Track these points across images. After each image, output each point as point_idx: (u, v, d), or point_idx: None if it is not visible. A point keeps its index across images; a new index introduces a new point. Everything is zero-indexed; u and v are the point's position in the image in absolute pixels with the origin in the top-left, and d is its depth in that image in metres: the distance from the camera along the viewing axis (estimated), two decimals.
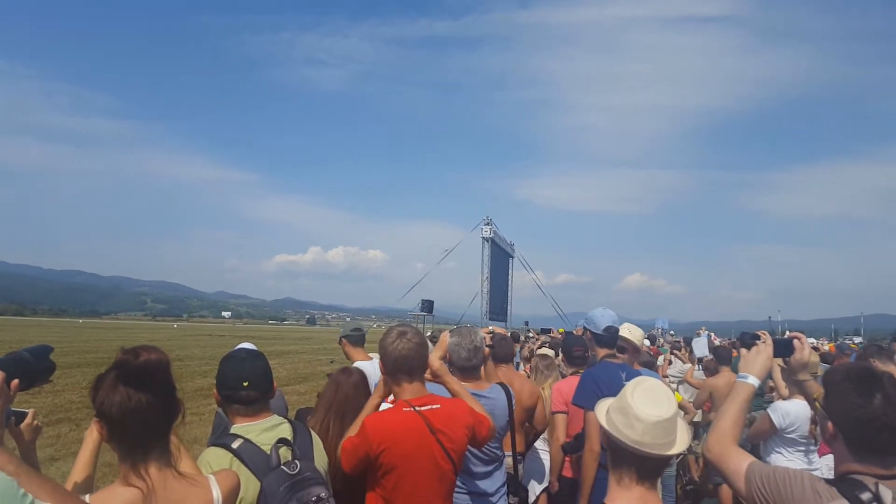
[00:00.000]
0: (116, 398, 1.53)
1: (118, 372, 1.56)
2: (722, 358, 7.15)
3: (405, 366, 2.53)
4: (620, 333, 3.85)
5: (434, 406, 2.51)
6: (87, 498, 1.54)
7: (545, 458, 4.67)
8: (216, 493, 1.69)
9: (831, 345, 15.57)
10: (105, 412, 1.55)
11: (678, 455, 1.84)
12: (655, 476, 1.81)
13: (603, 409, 1.90)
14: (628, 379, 3.59)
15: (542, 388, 5.14)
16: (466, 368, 3.28)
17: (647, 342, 8.79)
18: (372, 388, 3.02)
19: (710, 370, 7.58)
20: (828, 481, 1.70)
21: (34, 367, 1.69)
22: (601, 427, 1.86)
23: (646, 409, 1.77)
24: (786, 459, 4.21)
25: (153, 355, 1.59)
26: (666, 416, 1.77)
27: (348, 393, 2.92)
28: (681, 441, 1.81)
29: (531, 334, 16.35)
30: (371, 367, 4.49)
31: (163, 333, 61.41)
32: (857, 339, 37.37)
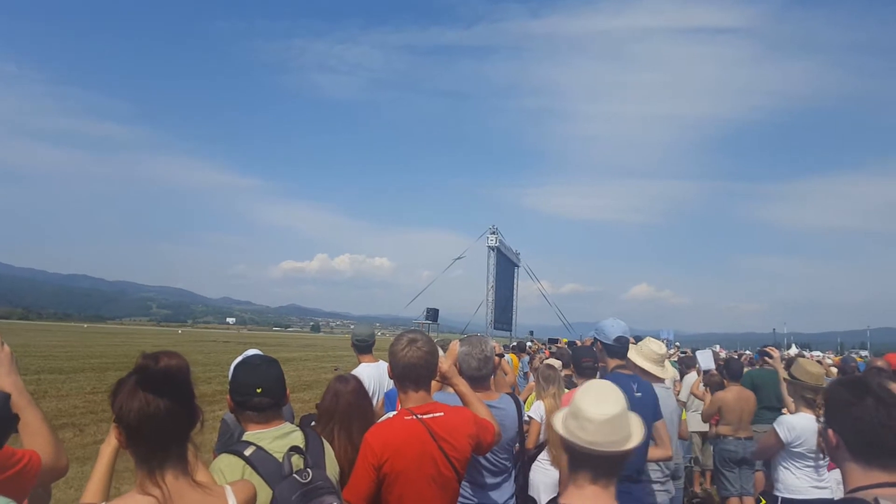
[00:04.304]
0: (135, 404, 1.52)
1: (138, 377, 1.54)
2: (734, 372, 6.88)
3: (412, 374, 2.51)
4: (631, 357, 3.80)
5: (437, 414, 2.49)
6: None
7: (552, 469, 4.64)
8: (232, 503, 1.68)
9: (837, 358, 15.47)
10: (123, 417, 1.53)
11: (630, 451, 1.84)
12: (611, 475, 1.84)
13: (560, 418, 1.92)
14: (639, 390, 3.59)
15: (544, 399, 5.11)
16: (476, 378, 3.24)
17: None
18: (371, 392, 3.03)
19: (715, 384, 7.47)
20: None
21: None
22: (559, 435, 1.88)
23: (594, 408, 1.81)
24: (794, 476, 4.17)
25: (173, 361, 1.57)
26: (613, 412, 1.80)
27: (349, 401, 2.92)
28: (636, 434, 1.84)
29: (529, 345, 16.27)
30: (375, 369, 4.57)
31: (167, 339, 61.50)
32: (864, 353, 37.09)
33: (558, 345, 14.75)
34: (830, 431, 1.82)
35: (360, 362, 4.73)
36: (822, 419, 1.92)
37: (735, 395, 6.55)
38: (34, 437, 1.78)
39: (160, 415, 1.53)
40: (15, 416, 1.68)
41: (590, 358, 4.59)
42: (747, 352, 22.02)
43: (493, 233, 32.20)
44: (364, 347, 4.82)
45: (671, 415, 4.43)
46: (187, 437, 1.63)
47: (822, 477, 4.22)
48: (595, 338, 3.75)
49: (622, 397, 1.88)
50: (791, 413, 4.39)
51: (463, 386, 2.80)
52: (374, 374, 4.45)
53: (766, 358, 6.88)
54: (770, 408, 6.91)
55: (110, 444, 1.75)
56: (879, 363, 5.82)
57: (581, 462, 1.83)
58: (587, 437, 1.78)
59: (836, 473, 4.00)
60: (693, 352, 12.06)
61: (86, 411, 12.99)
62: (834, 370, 9.67)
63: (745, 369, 7.70)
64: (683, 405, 8.38)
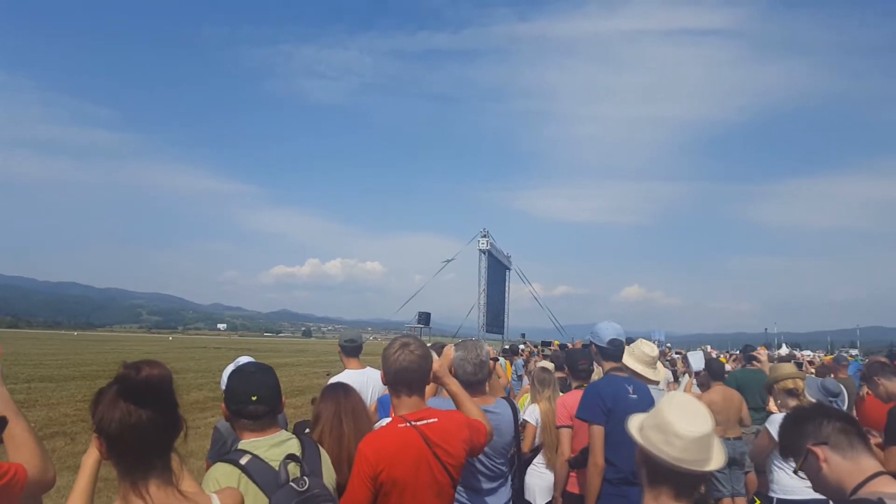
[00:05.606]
0: (116, 414, 1.49)
1: (119, 387, 1.52)
2: (715, 373, 6.97)
3: (405, 378, 2.49)
4: (623, 360, 3.80)
5: (431, 420, 2.47)
6: None
7: (547, 472, 4.63)
8: None
9: (828, 357, 15.58)
10: (104, 428, 1.51)
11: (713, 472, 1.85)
12: (691, 493, 1.80)
13: (636, 426, 1.87)
14: (635, 392, 3.60)
15: (539, 403, 5.10)
16: (472, 383, 3.21)
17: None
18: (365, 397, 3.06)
19: (705, 385, 7.51)
20: None
21: None
22: (638, 444, 1.84)
23: (685, 425, 1.76)
24: (789, 476, 4.17)
25: (155, 370, 1.54)
26: (705, 431, 1.76)
27: (356, 397, 2.97)
28: (717, 457, 1.80)
29: (522, 347, 16.23)
30: (360, 375, 4.60)
31: (158, 346, 61.09)
32: (854, 352, 37.35)
33: (551, 348, 14.76)
34: (816, 449, 1.80)
35: (345, 367, 4.76)
36: (790, 462, 1.92)
37: (721, 395, 6.57)
38: (20, 449, 1.75)
39: (142, 425, 1.50)
40: (3, 420, 1.65)
41: (586, 360, 4.60)
42: (738, 352, 22.09)
43: (485, 236, 32.26)
44: (352, 349, 4.83)
45: None
46: (171, 447, 1.61)
47: None
48: (590, 341, 3.76)
49: (710, 415, 1.84)
50: (777, 412, 4.41)
51: (454, 385, 2.80)
52: (358, 380, 4.44)
53: (755, 362, 6.92)
54: (755, 408, 6.94)
55: (92, 454, 1.72)
56: (881, 359, 5.82)
57: (664, 478, 1.79)
58: (674, 453, 1.74)
59: None
60: (685, 353, 12.10)
61: (77, 419, 12.83)
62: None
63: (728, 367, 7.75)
64: None
